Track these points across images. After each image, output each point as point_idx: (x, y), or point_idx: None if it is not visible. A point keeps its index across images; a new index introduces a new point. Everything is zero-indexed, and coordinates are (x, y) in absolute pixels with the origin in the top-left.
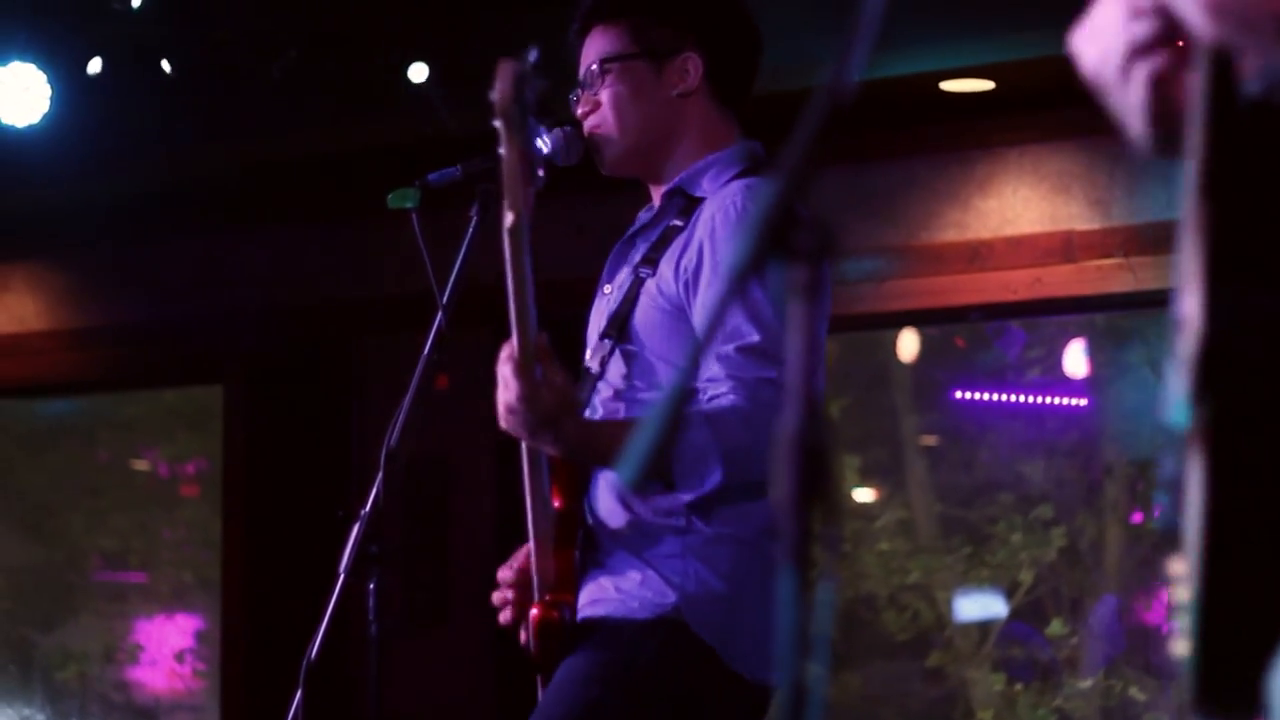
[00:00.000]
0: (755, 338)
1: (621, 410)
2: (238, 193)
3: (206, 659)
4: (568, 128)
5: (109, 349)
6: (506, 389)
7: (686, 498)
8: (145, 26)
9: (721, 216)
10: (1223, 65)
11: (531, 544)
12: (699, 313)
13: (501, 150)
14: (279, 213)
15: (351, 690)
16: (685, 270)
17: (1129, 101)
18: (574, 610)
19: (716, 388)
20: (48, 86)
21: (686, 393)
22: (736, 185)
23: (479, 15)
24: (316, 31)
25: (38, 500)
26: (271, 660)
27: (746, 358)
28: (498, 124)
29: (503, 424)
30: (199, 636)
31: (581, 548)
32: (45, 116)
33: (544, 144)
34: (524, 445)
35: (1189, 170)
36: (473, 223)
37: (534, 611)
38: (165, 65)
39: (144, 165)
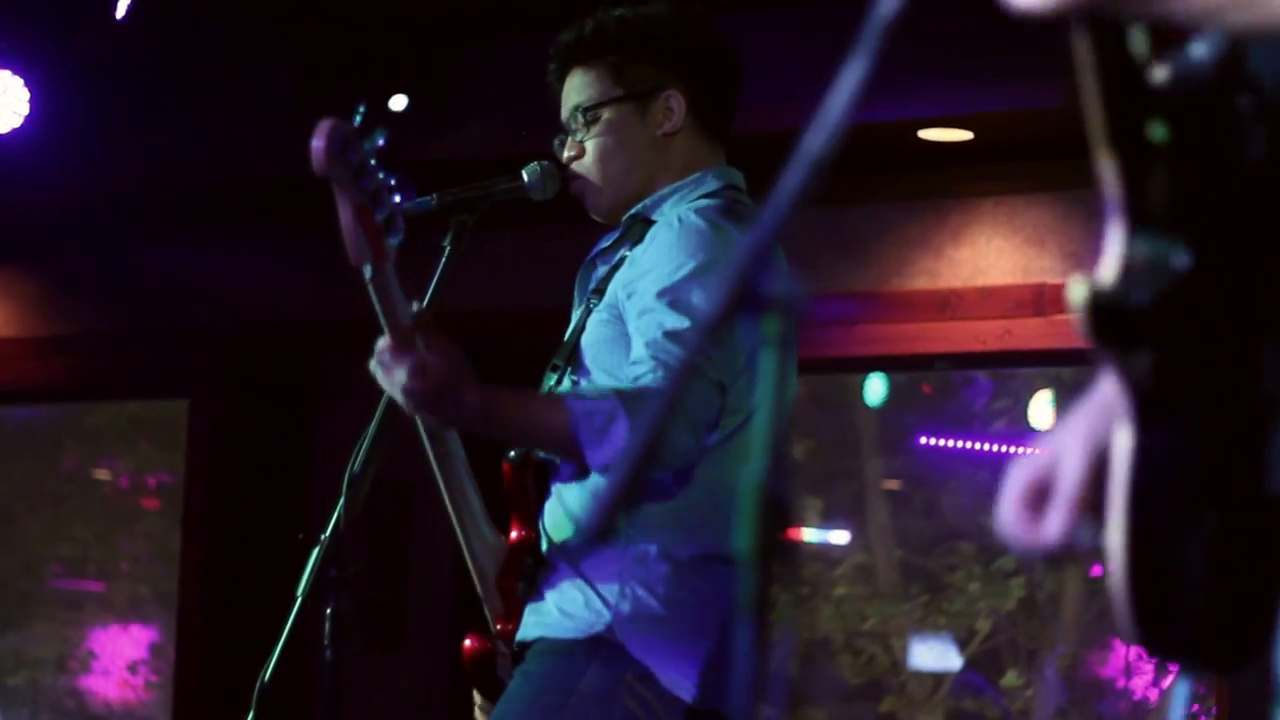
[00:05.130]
0: (684, 324)
1: None
2: (212, 207)
3: (160, 671)
4: (544, 162)
5: (76, 358)
6: (390, 376)
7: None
8: (126, 38)
9: (665, 227)
10: (1112, 24)
11: (475, 579)
12: (630, 305)
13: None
14: (252, 229)
15: (305, 713)
16: (629, 285)
17: None
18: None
19: (638, 368)
20: (26, 92)
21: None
22: (684, 206)
23: (461, 43)
24: (296, 52)
25: None
26: (225, 676)
27: (672, 341)
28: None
29: (407, 409)
30: (153, 648)
31: (527, 577)
32: (22, 124)
33: (396, 199)
34: (446, 489)
35: (1092, 121)
36: (445, 252)
37: (467, 643)
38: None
39: (119, 176)
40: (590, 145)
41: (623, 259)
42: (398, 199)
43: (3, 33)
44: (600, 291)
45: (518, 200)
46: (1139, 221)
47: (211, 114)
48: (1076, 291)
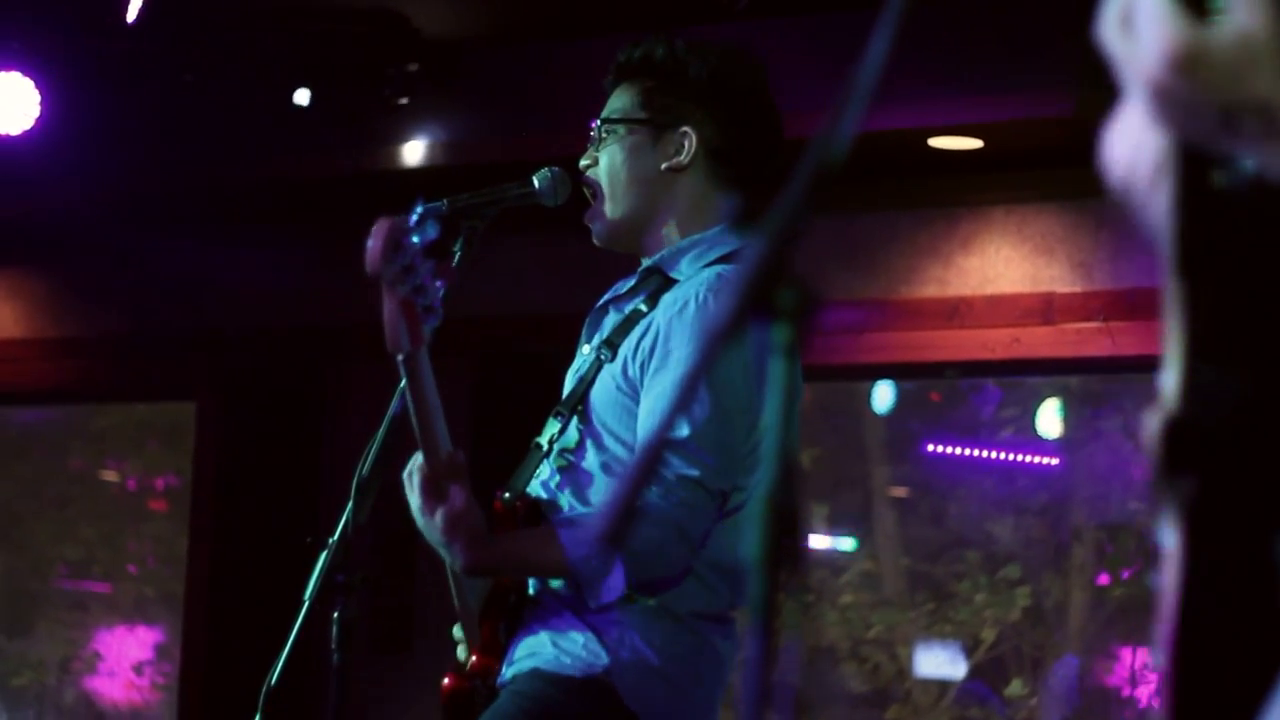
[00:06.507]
0: (683, 433)
1: (569, 480)
2: (222, 210)
3: (165, 673)
4: (556, 168)
5: (85, 359)
6: (410, 496)
7: (597, 603)
8: (137, 42)
9: (680, 308)
10: (1194, 147)
11: (457, 609)
12: (643, 404)
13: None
14: (263, 233)
15: (311, 718)
16: (641, 352)
17: (1155, 213)
18: (491, 675)
19: None
20: (36, 94)
21: (649, 473)
22: (705, 275)
23: (472, 50)
24: (311, 58)
25: (5, 507)
26: (231, 678)
27: (670, 452)
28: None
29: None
30: (158, 649)
31: (509, 616)
32: (33, 126)
33: (438, 285)
34: None
35: (1166, 248)
36: (455, 258)
37: (445, 681)
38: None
39: (130, 178)
40: (603, 157)
41: (636, 312)
42: (439, 284)
43: (13, 35)
44: (612, 345)
45: (529, 206)
46: (1198, 347)
47: (221, 118)
48: (1150, 423)
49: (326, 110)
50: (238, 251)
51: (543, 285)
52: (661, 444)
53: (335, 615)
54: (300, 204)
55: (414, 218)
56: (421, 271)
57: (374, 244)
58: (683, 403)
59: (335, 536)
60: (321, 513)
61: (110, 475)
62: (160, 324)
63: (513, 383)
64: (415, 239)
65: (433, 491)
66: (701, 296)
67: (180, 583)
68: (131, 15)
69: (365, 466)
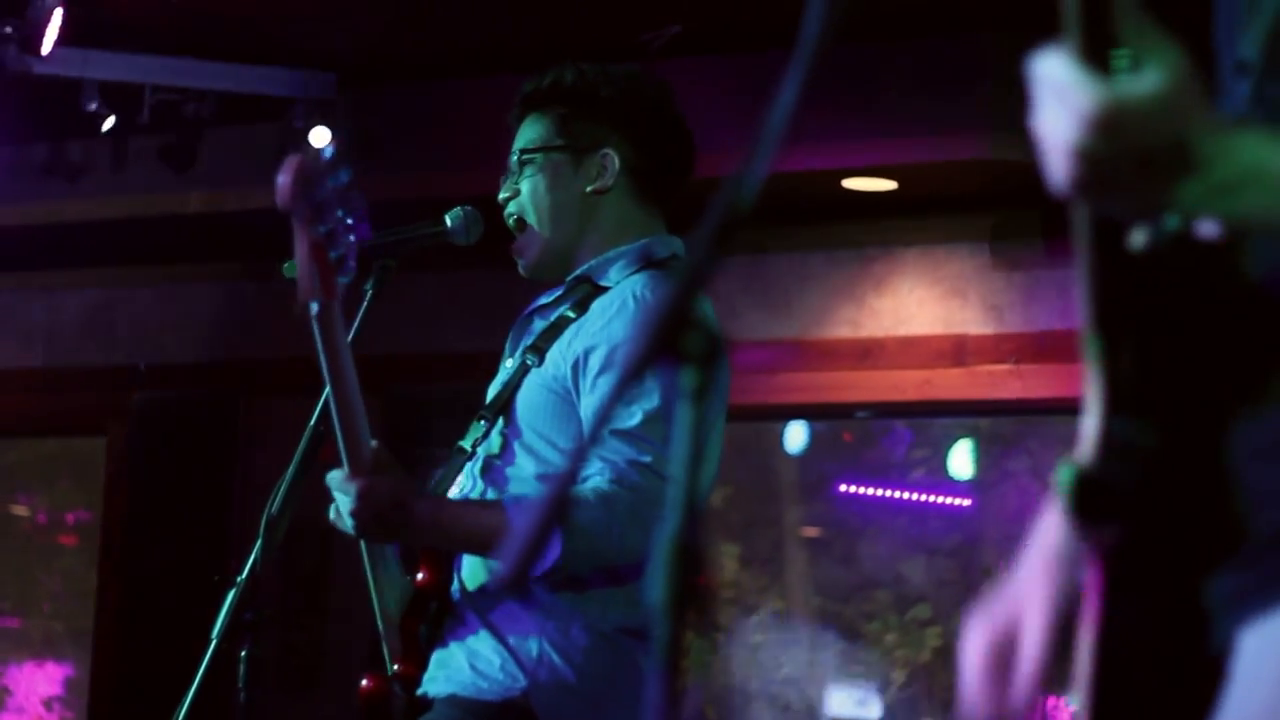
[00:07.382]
0: (633, 421)
1: (492, 485)
2: (133, 245)
3: (74, 708)
4: (468, 207)
5: None
6: (344, 498)
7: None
8: (49, 75)
9: (619, 307)
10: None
11: (378, 617)
12: (586, 402)
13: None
14: (174, 267)
15: None
16: (576, 354)
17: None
18: (412, 683)
19: (586, 469)
20: None
21: (569, 481)
22: (640, 277)
23: (387, 85)
24: (223, 91)
25: None
26: (140, 714)
27: (620, 440)
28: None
29: (355, 533)
30: (68, 685)
31: (431, 621)
32: None
33: (351, 239)
34: None
35: (1082, 303)
36: (367, 296)
37: (364, 683)
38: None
39: (37, 211)
40: (524, 187)
41: (564, 318)
42: (352, 239)
43: None
44: (538, 351)
45: (441, 244)
46: (1115, 400)
47: (131, 150)
48: (1064, 474)
49: (239, 144)
50: (149, 285)
51: (457, 323)
52: (582, 460)
53: (243, 653)
54: (212, 239)
55: (326, 155)
56: (334, 217)
57: (285, 178)
58: (631, 395)
59: (244, 574)
60: (232, 548)
61: (20, 510)
62: (69, 358)
63: (424, 422)
64: (329, 181)
65: (359, 478)
66: (639, 294)
67: (90, 618)
68: (46, 48)
69: (275, 504)
